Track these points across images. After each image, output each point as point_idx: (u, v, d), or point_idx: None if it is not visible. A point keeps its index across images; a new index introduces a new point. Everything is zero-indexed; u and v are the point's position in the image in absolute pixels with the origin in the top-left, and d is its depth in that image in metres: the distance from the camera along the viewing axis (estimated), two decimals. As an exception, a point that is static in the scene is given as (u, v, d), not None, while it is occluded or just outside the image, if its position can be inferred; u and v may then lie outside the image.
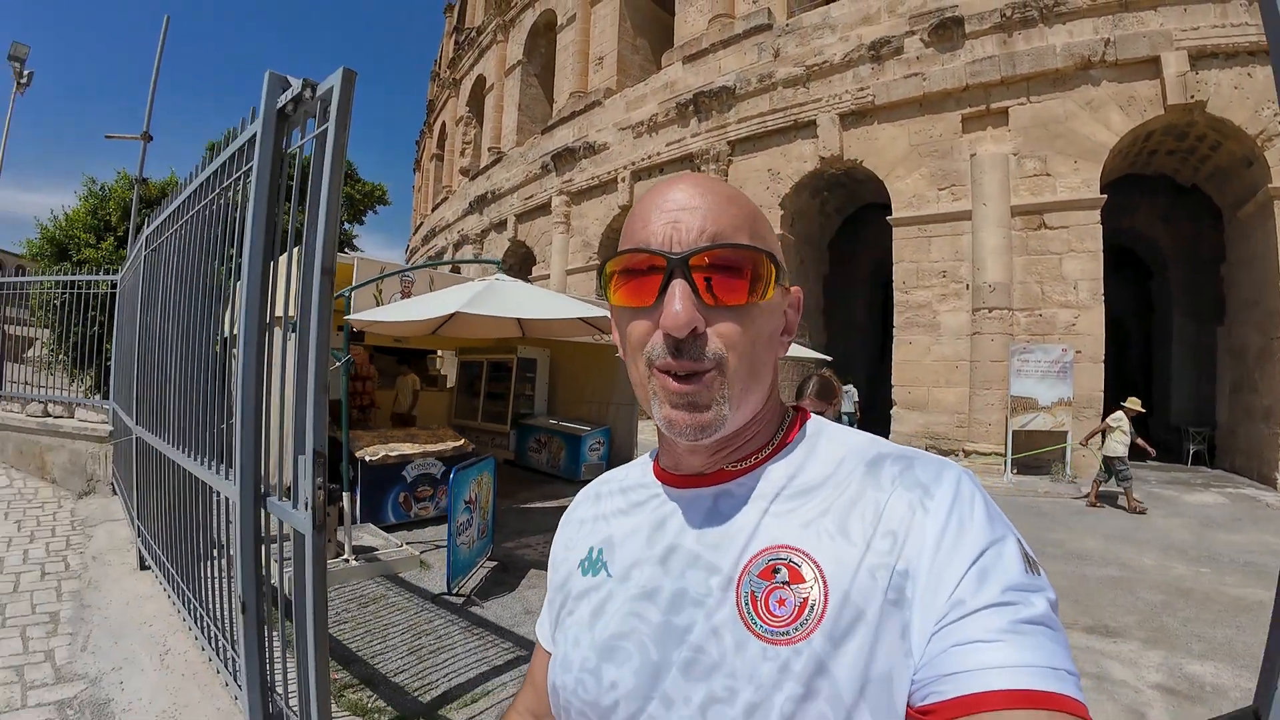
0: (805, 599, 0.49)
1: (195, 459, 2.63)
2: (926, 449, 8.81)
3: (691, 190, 0.55)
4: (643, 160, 15.34)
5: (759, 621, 0.50)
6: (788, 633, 0.49)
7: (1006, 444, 9.48)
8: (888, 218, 11.40)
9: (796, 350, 8.32)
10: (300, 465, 1.70)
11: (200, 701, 2.62)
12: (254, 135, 2.21)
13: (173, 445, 2.98)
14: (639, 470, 0.69)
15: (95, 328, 6.98)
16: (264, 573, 2.06)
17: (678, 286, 0.52)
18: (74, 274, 7.30)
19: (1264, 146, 9.13)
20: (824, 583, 0.49)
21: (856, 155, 11.75)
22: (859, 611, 0.47)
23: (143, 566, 4.14)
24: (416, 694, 2.89)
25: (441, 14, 34.76)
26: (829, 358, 8.80)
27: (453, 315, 4.80)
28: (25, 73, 13.46)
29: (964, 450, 10.10)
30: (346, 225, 12.76)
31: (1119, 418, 7.80)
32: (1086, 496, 8.08)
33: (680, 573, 0.56)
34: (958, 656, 0.43)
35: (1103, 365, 9.51)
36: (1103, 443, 7.95)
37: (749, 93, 13.20)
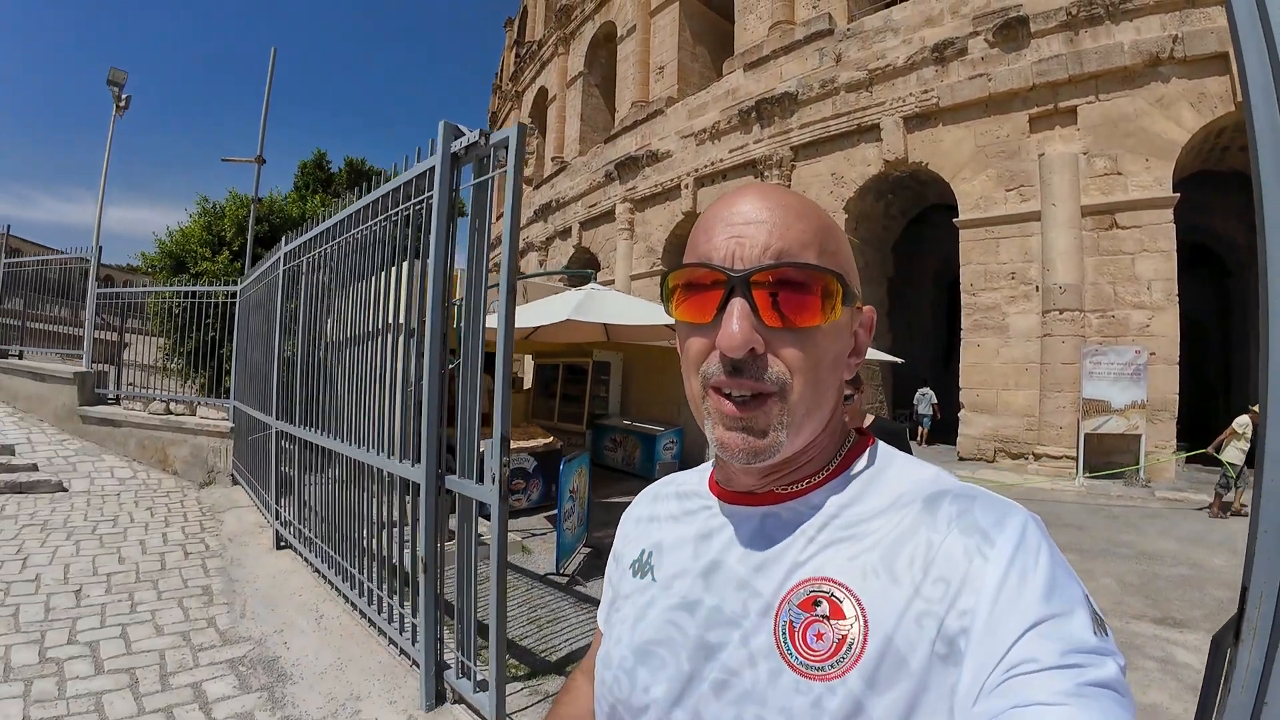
0: (844, 636, 0.48)
1: (375, 452, 3.13)
2: (996, 453, 8.88)
3: (759, 203, 0.53)
4: (706, 167, 15.68)
5: (795, 653, 0.50)
6: (823, 668, 0.48)
7: (1078, 447, 9.41)
8: (955, 220, 11.41)
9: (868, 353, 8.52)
10: (489, 448, 2.17)
11: (361, 656, 3.13)
12: (422, 172, 2.74)
13: (344, 441, 3.50)
14: (696, 478, 0.69)
15: (211, 334, 7.81)
16: (440, 541, 2.55)
17: (736, 305, 0.51)
18: (192, 285, 8.16)
19: None
20: (865, 622, 0.48)
21: (921, 158, 11.79)
22: (901, 658, 0.46)
23: (278, 546, 4.77)
24: (543, 655, 3.34)
25: (501, 28, 35.92)
26: (899, 359, 8.95)
27: (562, 321, 5.28)
28: (124, 97, 14.75)
29: (1034, 454, 10.05)
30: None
31: (1244, 423, 7.44)
32: (1209, 507, 7.58)
33: (720, 590, 0.56)
34: (1018, 718, 0.39)
35: (1177, 367, 9.33)
36: (1220, 449, 7.58)
37: (811, 98, 13.38)
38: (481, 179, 2.55)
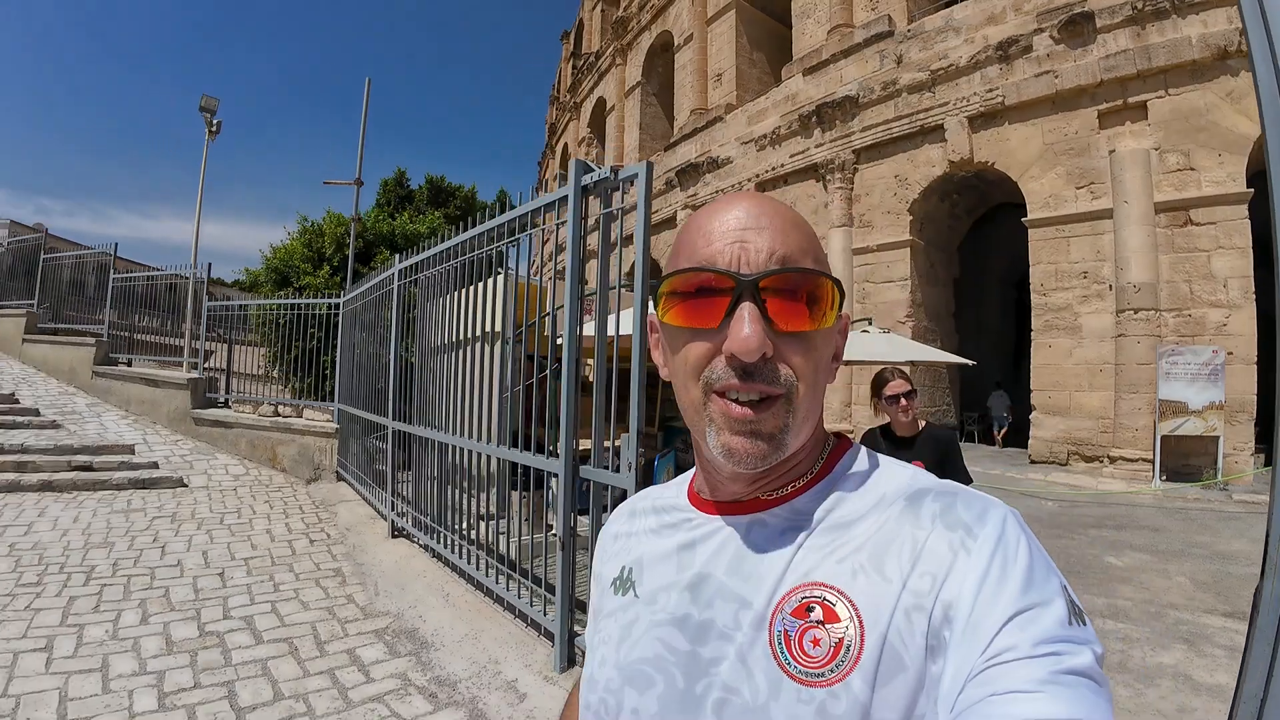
0: (840, 639, 0.48)
1: (511, 449, 3.60)
2: (1069, 455, 8.83)
3: (756, 210, 0.54)
4: (767, 172, 15.87)
5: (793, 662, 0.49)
6: (823, 674, 0.48)
7: (1154, 450, 9.20)
8: (1024, 219, 11.29)
9: (929, 354, 8.55)
10: (625, 442, 2.58)
11: (491, 628, 3.54)
12: (550, 201, 3.18)
13: (476, 439, 3.96)
14: (674, 491, 0.68)
15: (313, 343, 8.52)
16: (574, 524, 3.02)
17: (747, 309, 0.51)
18: (295, 298, 8.92)
19: None
20: (860, 623, 0.48)
21: (987, 157, 11.71)
22: (897, 655, 0.46)
23: (393, 535, 5.31)
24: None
25: (558, 41, 36.83)
26: (969, 361, 8.97)
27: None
28: (215, 122, 15.88)
29: (1108, 456, 9.86)
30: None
31: None
32: None
33: (709, 603, 0.56)
34: (993, 706, 0.40)
35: (1255, 367, 9.02)
36: None
37: (872, 100, 13.42)
38: (608, 210, 2.97)
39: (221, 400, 9.27)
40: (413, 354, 5.22)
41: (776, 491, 0.58)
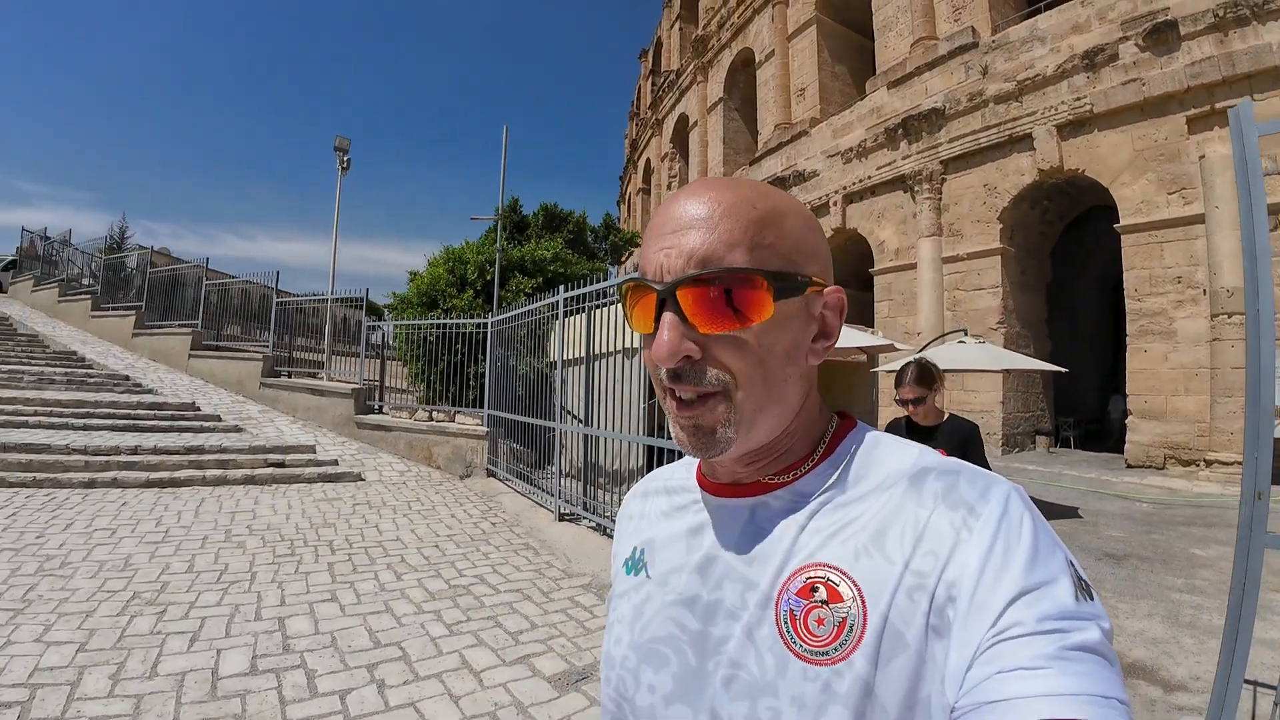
0: (844, 619, 0.49)
1: (652, 437, 4.65)
2: (1165, 459, 9.22)
3: (690, 206, 0.54)
4: (854, 184, 16.42)
5: (799, 641, 0.51)
6: (827, 652, 0.49)
7: (1249, 453, 9.26)
8: (1115, 225, 11.47)
9: (1023, 362, 9.01)
10: None
11: None
12: None
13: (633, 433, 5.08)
14: (684, 471, 0.70)
15: (458, 357, 9.85)
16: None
17: (666, 318, 0.52)
18: (443, 319, 10.30)
19: None
20: (862, 602, 0.49)
21: (1077, 164, 11.94)
22: (899, 634, 0.47)
23: (560, 519, 6.45)
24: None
25: (636, 60, 38.11)
26: (1062, 369, 9.35)
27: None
28: (346, 159, 17.78)
29: (1205, 460, 9.97)
30: (612, 268, 15.50)
31: None
32: None
33: (717, 584, 0.57)
34: (1000, 684, 0.40)
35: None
36: None
37: (959, 112, 13.81)
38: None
39: (377, 407, 10.82)
40: (552, 365, 6.37)
41: (778, 475, 0.58)
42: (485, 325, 9.28)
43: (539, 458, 8.63)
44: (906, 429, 2.98)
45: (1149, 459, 10.81)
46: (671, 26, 29.83)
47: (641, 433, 5.66)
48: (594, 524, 6.12)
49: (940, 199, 14.36)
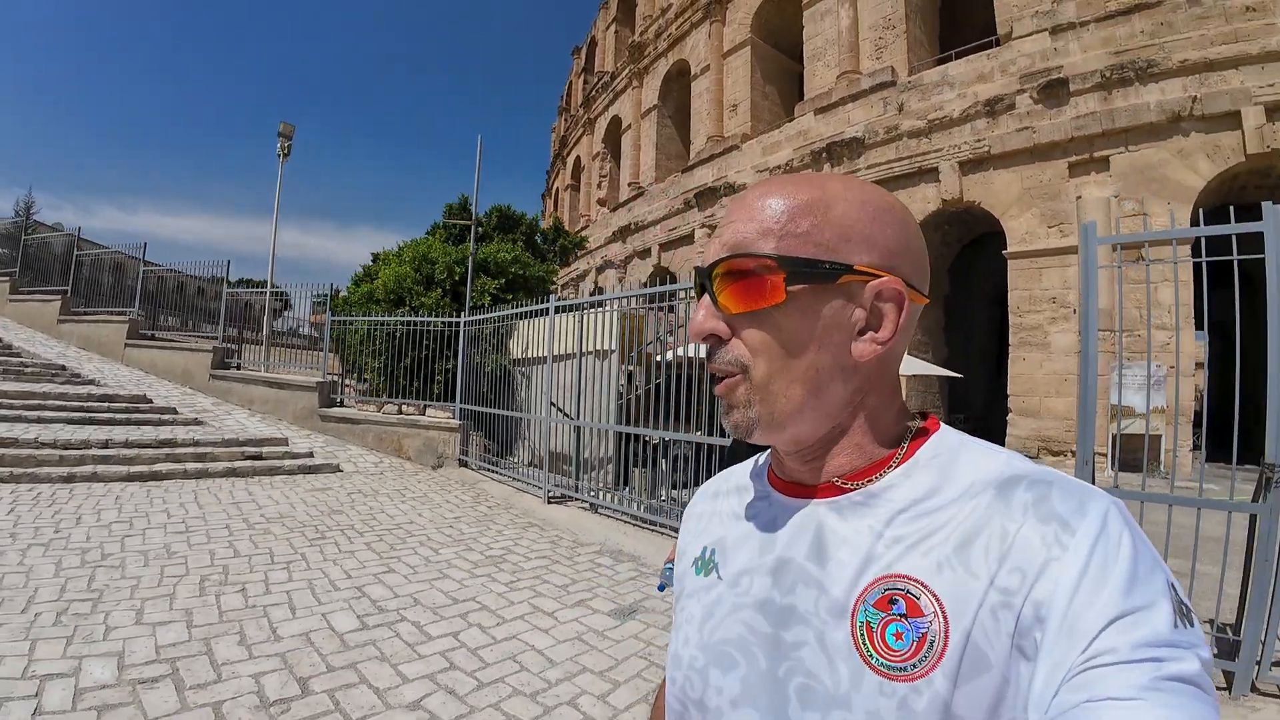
0: (924, 634, 0.48)
1: (628, 425, 5.57)
2: (1039, 450, 11.08)
3: (743, 200, 0.57)
4: (778, 199, 17.79)
5: (875, 654, 0.49)
6: (905, 669, 0.48)
7: (1109, 445, 11.26)
8: (1004, 252, 13.30)
9: (923, 368, 10.51)
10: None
11: (665, 546, 5.43)
12: (685, 288, 5.16)
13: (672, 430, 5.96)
14: (757, 470, 0.69)
15: (425, 353, 10.29)
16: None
17: (703, 300, 0.58)
18: (410, 316, 10.67)
19: None
20: (944, 618, 0.48)
21: (975, 197, 13.71)
22: (981, 653, 0.46)
23: (549, 501, 7.21)
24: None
25: (569, 56, 38.48)
26: (956, 374, 10.93)
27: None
28: (288, 146, 17.36)
29: (1072, 451, 11.93)
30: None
31: None
32: None
33: (790, 588, 0.56)
34: (1087, 713, 0.39)
35: (1192, 379, 11.10)
36: None
37: (877, 142, 15.40)
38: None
39: (339, 400, 11.06)
40: (521, 364, 7.17)
41: (853, 477, 0.57)
42: (458, 324, 9.81)
43: (502, 449, 9.32)
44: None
45: (1025, 449, 12.71)
46: (608, 28, 30.44)
47: (613, 424, 6.64)
48: (585, 504, 6.98)
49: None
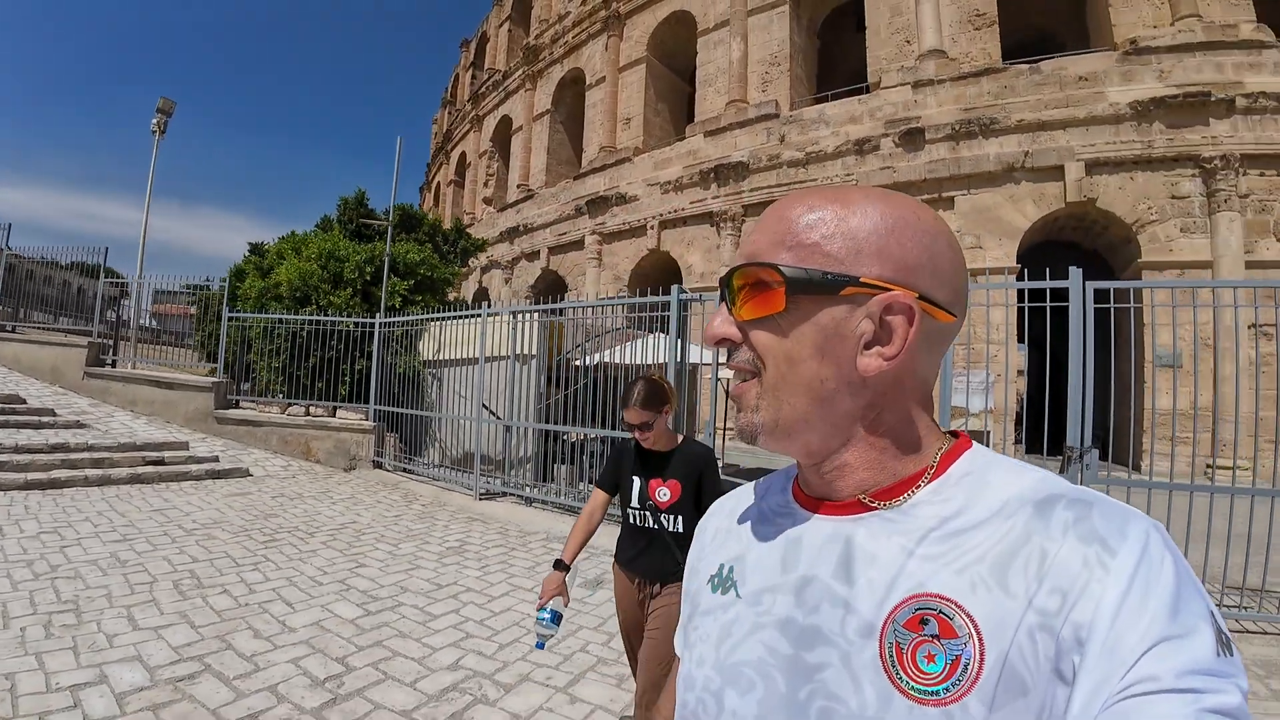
0: (958, 657, 0.46)
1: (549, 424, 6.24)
2: None
3: (769, 211, 0.59)
4: (669, 213, 18.92)
5: (905, 677, 0.48)
6: (938, 692, 0.46)
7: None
8: (866, 273, 15.18)
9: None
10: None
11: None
12: (653, 302, 5.83)
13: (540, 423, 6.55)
14: (779, 486, 0.67)
15: (331, 354, 10.19)
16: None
17: (722, 304, 0.59)
18: (316, 315, 10.45)
19: (1138, 231, 13.11)
20: (979, 640, 0.46)
21: (843, 224, 15.50)
22: (1019, 677, 0.44)
23: (480, 498, 7.63)
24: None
25: (458, 48, 37.72)
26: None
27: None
28: (164, 124, 16.06)
29: (920, 447, 13.97)
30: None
31: None
32: None
33: (815, 607, 0.54)
34: None
35: (1014, 386, 13.43)
36: None
37: (760, 168, 16.90)
38: (685, 312, 5.65)
39: (235, 401, 10.63)
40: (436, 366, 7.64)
41: (881, 496, 0.56)
42: (371, 325, 9.85)
43: (411, 449, 9.57)
44: (636, 454, 2.57)
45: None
46: (501, 25, 30.30)
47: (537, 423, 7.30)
48: (519, 499, 7.56)
49: (740, 235, 17.39)
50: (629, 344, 8.16)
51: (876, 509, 0.56)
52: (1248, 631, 4.29)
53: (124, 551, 5.12)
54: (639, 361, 7.98)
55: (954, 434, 0.60)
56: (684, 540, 2.38)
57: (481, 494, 7.74)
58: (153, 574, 4.60)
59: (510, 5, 29.67)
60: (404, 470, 9.19)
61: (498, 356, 8.01)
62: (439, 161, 38.71)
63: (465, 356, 8.60)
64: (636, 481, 2.53)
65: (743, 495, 0.72)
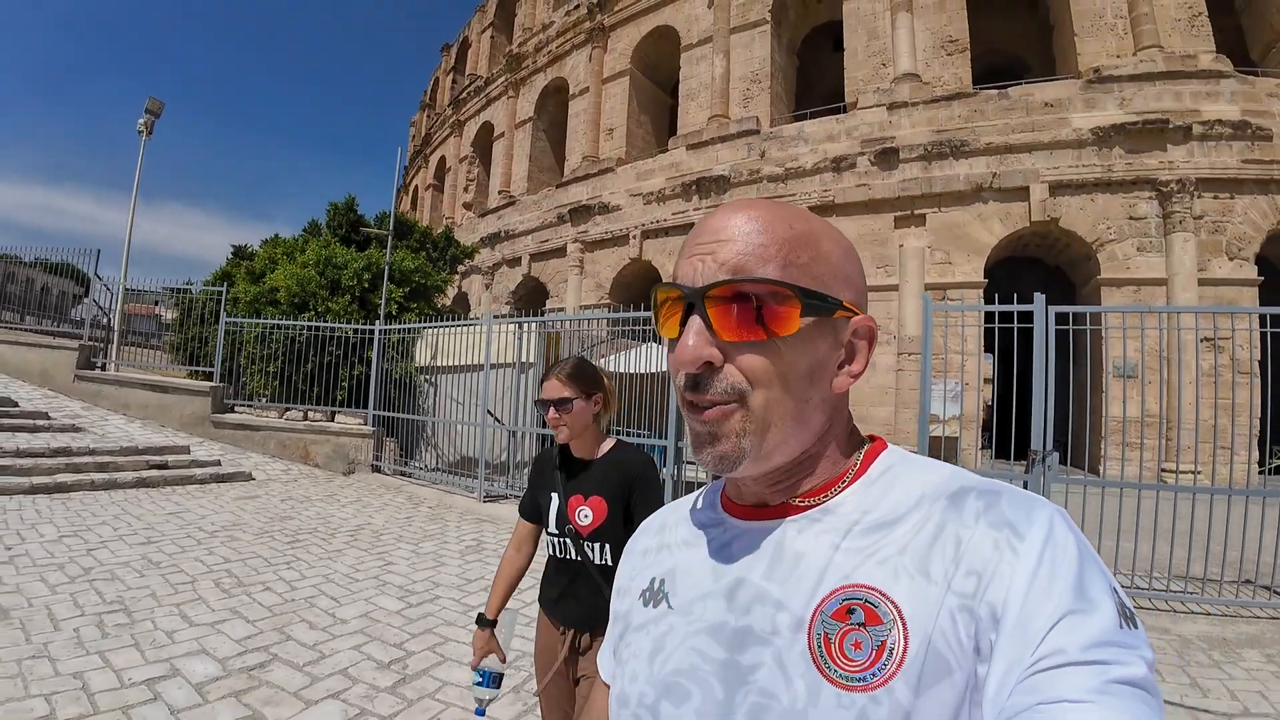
0: (883, 642, 0.48)
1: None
2: None
3: (731, 219, 0.56)
4: (651, 224, 19.37)
5: (833, 666, 0.49)
6: (864, 678, 0.47)
7: (920, 446, 13.98)
8: (842, 285, 15.85)
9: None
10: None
11: None
12: (645, 316, 6.37)
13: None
14: (706, 499, 0.69)
15: (329, 359, 10.41)
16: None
17: (692, 322, 0.54)
18: (314, 321, 10.64)
19: (1097, 250, 13.94)
20: (903, 625, 0.48)
21: (820, 238, 16.17)
22: (942, 658, 0.46)
23: (485, 500, 7.97)
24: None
25: (438, 52, 37.73)
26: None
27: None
28: (152, 124, 15.85)
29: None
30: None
31: None
32: None
33: (746, 609, 0.55)
34: (1042, 715, 0.40)
35: (981, 394, 14.19)
36: None
37: (741, 182, 17.46)
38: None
39: (231, 406, 10.76)
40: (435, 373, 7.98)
41: (808, 496, 0.58)
42: (371, 331, 10.11)
43: (405, 454, 9.87)
44: (560, 463, 2.05)
45: (857, 453, 15.28)
46: (484, 31, 30.45)
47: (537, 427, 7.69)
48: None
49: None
50: (627, 352, 8.59)
51: (806, 509, 0.58)
52: (1192, 613, 4.89)
53: (154, 554, 5.28)
54: (641, 370, 8.41)
55: (871, 437, 0.64)
56: (614, 575, 2.01)
57: (488, 495, 8.07)
58: (190, 574, 4.80)
59: (493, 12, 29.89)
60: (402, 474, 9.46)
61: (501, 364, 8.37)
62: (417, 165, 38.66)
63: (463, 364, 8.93)
64: (555, 499, 2.01)
65: (670, 512, 0.73)
